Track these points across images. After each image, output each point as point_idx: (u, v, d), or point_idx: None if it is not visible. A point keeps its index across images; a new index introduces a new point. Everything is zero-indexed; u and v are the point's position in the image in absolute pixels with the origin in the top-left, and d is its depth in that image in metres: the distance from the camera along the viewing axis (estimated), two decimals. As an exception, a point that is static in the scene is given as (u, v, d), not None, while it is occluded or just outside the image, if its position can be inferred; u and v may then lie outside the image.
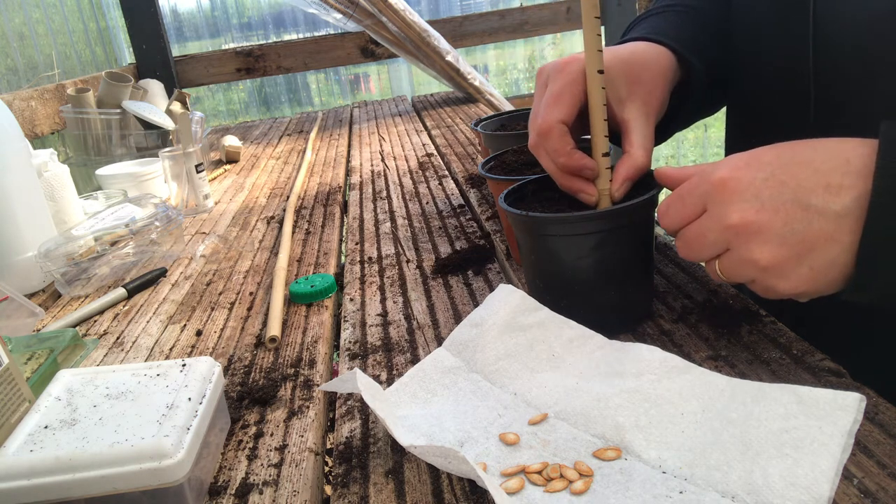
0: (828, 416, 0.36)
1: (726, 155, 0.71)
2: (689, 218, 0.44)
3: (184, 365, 0.47)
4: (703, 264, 0.49)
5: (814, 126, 0.56)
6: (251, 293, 0.75)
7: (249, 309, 0.71)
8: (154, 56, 1.96)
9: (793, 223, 0.40)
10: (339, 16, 1.82)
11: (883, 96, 0.50)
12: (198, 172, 1.08)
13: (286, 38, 2.43)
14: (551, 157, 0.53)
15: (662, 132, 0.61)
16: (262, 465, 0.45)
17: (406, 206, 1.00)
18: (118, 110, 1.33)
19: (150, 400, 0.43)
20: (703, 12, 0.65)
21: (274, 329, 0.63)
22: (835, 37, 0.53)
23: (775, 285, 0.41)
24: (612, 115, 0.53)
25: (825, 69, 0.54)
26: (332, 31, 2.17)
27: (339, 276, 0.78)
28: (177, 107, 1.40)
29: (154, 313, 0.73)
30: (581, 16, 0.49)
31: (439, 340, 0.58)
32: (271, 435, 0.48)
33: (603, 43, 0.50)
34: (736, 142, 0.70)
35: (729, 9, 0.66)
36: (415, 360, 0.55)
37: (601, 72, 0.50)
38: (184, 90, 1.55)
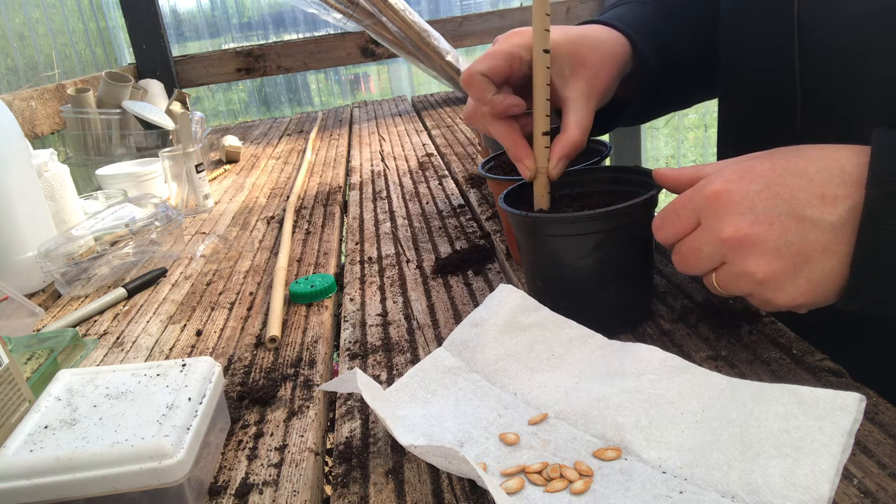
0: (828, 416, 0.36)
1: (718, 157, 0.71)
2: (684, 232, 0.44)
3: (184, 365, 0.47)
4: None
5: (801, 128, 0.56)
6: (251, 293, 0.75)
7: (249, 309, 0.71)
8: (154, 56, 1.96)
9: (787, 235, 0.39)
10: (339, 16, 1.82)
11: (870, 98, 0.50)
12: (198, 172, 1.08)
13: (286, 38, 2.43)
14: (478, 106, 0.54)
15: (611, 119, 0.62)
16: (262, 465, 0.45)
17: (406, 206, 1.00)
18: (118, 110, 1.33)
19: (150, 400, 0.43)
20: (670, 5, 0.65)
21: (274, 329, 0.63)
22: (820, 38, 0.52)
23: (773, 298, 0.41)
24: (555, 92, 0.54)
25: (811, 71, 0.54)
26: (332, 31, 2.17)
27: (339, 276, 0.78)
28: (177, 107, 1.40)
29: (154, 313, 0.73)
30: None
31: (439, 340, 0.58)
32: (271, 435, 0.48)
33: (550, 23, 0.50)
34: (727, 143, 0.70)
35: (707, 6, 0.66)
36: (415, 360, 0.55)
37: (547, 51, 0.50)
38: (184, 90, 1.55)
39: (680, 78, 0.65)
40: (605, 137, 0.70)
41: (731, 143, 0.69)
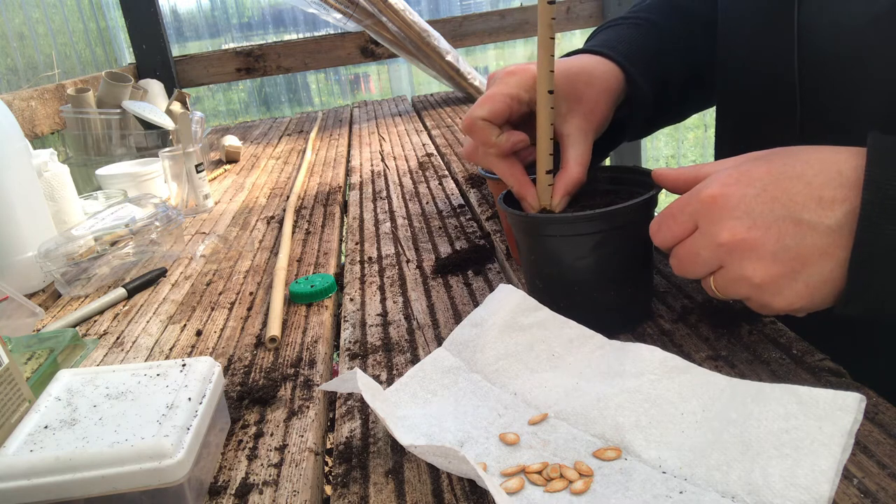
0: (828, 416, 0.36)
1: (716, 158, 0.71)
2: (681, 236, 0.44)
3: (184, 365, 0.47)
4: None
5: (800, 131, 0.56)
6: (251, 293, 0.75)
7: (249, 309, 0.71)
8: (154, 56, 1.96)
9: (785, 239, 0.39)
10: (339, 16, 1.82)
11: (868, 101, 0.50)
12: (198, 172, 1.08)
13: (286, 38, 2.43)
14: (484, 150, 0.54)
15: (609, 144, 0.63)
16: (262, 465, 0.45)
17: (406, 206, 1.00)
18: (118, 110, 1.33)
19: (150, 400, 0.43)
20: (660, 26, 0.65)
21: (274, 329, 0.63)
22: (819, 42, 0.52)
23: (770, 302, 0.41)
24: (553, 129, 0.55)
25: (810, 74, 0.54)
26: (332, 31, 2.17)
27: (339, 276, 0.78)
28: (177, 107, 1.40)
29: (154, 313, 0.73)
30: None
31: (439, 340, 0.58)
32: (271, 435, 0.48)
33: (555, 64, 0.50)
34: (724, 144, 0.70)
35: (689, 22, 0.66)
36: (415, 360, 0.55)
37: (551, 92, 0.51)
38: (184, 90, 1.55)
39: (674, 97, 0.65)
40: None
41: (729, 145, 0.69)
